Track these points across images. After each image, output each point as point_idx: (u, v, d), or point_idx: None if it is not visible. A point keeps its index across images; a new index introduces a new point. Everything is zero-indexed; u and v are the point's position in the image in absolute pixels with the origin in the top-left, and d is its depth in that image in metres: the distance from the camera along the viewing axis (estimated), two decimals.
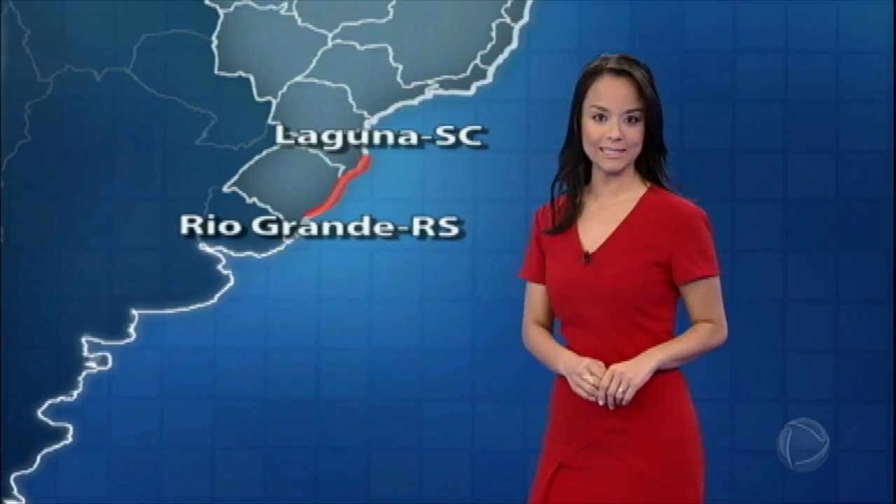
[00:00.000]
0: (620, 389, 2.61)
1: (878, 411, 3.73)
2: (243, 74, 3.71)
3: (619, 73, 2.67)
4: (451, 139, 3.71)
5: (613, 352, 2.67)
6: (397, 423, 3.76)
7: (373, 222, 3.73)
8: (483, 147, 3.73)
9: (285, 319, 3.72)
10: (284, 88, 3.72)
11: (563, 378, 2.71)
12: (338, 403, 3.75)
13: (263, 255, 3.70)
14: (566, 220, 2.73)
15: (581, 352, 2.68)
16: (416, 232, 3.73)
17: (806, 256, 3.70)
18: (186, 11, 3.73)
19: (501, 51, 3.74)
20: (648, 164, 2.70)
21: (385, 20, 3.73)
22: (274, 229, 3.70)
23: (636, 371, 2.60)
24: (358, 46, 3.71)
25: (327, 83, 3.70)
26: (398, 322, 3.75)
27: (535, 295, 2.82)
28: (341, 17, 3.72)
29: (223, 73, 3.71)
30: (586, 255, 2.69)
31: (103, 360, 3.68)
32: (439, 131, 3.71)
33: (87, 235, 3.73)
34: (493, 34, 3.73)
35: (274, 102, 3.71)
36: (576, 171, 2.72)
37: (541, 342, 2.80)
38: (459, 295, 3.77)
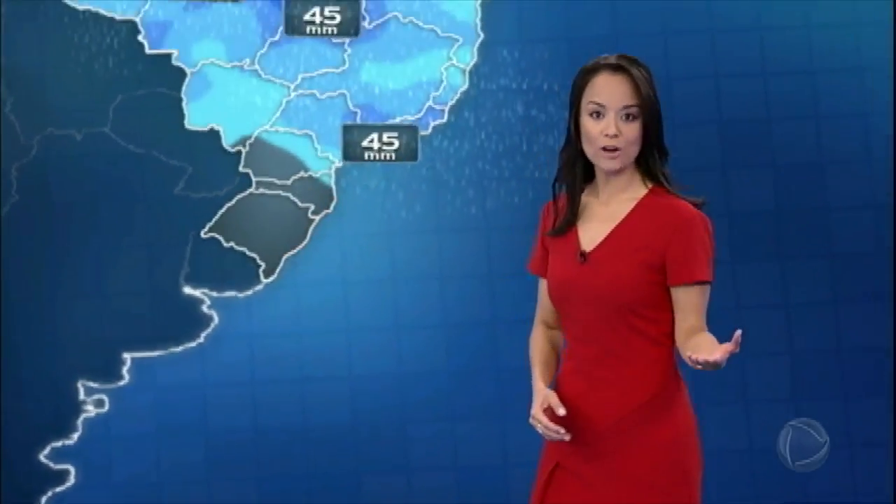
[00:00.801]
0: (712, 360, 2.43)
1: (835, 408, 3.96)
2: (214, 127, 3.94)
3: (615, 69, 2.62)
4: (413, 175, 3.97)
5: (608, 354, 2.64)
6: (383, 445, 3.99)
7: (344, 258, 3.95)
8: (443, 183, 3.99)
9: (269, 354, 3.96)
10: (252, 138, 3.95)
11: (561, 378, 2.70)
12: (325, 430, 3.97)
13: (244, 294, 3.93)
14: (566, 221, 2.69)
15: (577, 352, 2.67)
16: (386, 265, 3.96)
17: (753, 265, 3.92)
18: (157, 72, 3.98)
19: (454, 91, 4.01)
20: (648, 164, 2.63)
21: (341, 69, 3.99)
22: (252, 270, 3.93)
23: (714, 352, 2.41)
24: (318, 94, 3.96)
25: (293, 130, 3.95)
26: (376, 350, 3.96)
27: (542, 290, 2.81)
28: (301, 68, 3.96)
29: (194, 127, 3.95)
30: (582, 255, 2.65)
31: (100, 403, 3.91)
32: (399, 171, 3.97)
33: (77, 284, 3.97)
34: (445, 76, 4.00)
35: (244, 151, 3.95)
36: (574, 170, 2.67)
37: (531, 356, 2.78)
38: (432, 322, 3.98)
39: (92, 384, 3.93)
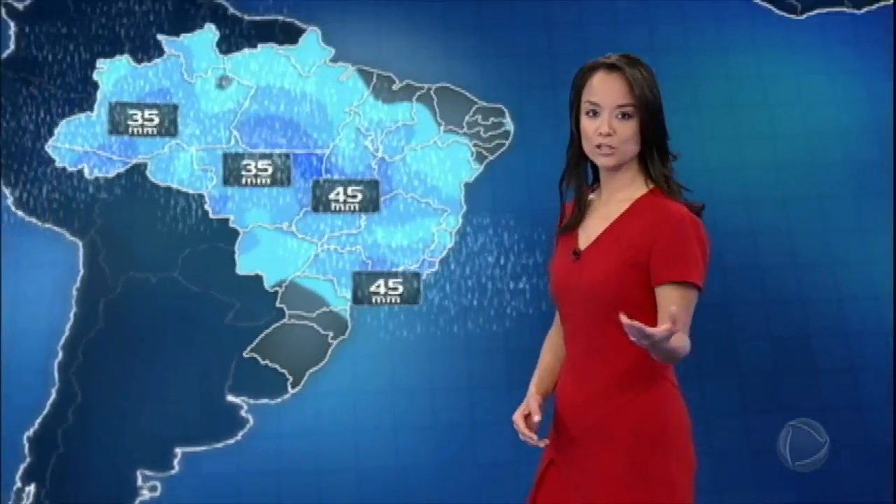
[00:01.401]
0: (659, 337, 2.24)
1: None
2: (258, 273, 4.70)
3: (611, 68, 2.48)
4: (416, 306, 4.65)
5: (595, 351, 2.49)
6: None
7: (355, 374, 4.60)
8: (433, 316, 4.61)
9: (292, 449, 4.48)
10: (287, 281, 4.68)
11: (560, 374, 2.61)
12: None
13: (275, 401, 4.56)
14: (572, 221, 2.56)
15: (571, 349, 2.56)
16: (387, 379, 4.60)
17: None
18: (217, 231, 4.73)
19: (444, 248, 4.73)
20: (647, 165, 2.48)
21: (357, 231, 4.72)
22: (282, 382, 4.58)
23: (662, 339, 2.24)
24: (339, 249, 4.73)
25: (318, 276, 4.72)
26: (378, 447, 4.48)
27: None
28: (326, 230, 4.71)
29: (243, 273, 4.69)
30: (576, 253, 2.52)
31: (153, 488, 4.45)
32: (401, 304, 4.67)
33: (143, 392, 4.51)
34: (436, 237, 4.76)
35: (280, 291, 4.69)
36: (577, 170, 2.56)
37: (540, 359, 2.67)
38: (424, 424, 4.49)
39: (148, 472, 4.46)
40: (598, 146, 2.45)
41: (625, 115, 2.43)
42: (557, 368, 2.65)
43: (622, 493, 2.46)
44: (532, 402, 2.54)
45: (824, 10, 5.01)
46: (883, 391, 4.40)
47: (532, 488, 2.65)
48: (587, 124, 2.46)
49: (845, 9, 5.02)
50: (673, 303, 2.33)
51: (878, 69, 4.91)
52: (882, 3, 5.01)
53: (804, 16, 5.04)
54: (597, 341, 2.48)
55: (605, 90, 2.45)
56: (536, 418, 2.52)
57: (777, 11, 5.03)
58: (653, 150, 2.47)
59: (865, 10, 5.02)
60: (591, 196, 2.60)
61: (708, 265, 2.43)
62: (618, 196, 2.51)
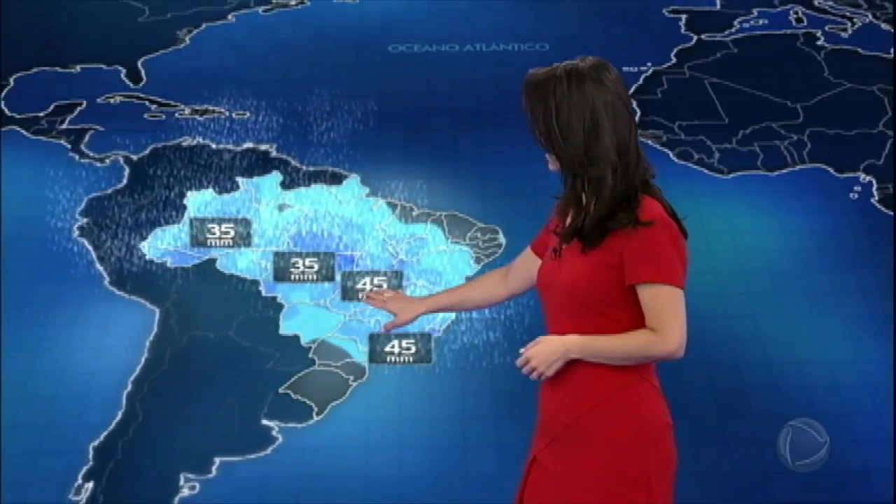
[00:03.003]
0: (532, 377, 2.48)
1: None
2: (297, 333, 5.83)
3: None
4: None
5: None
6: None
7: (369, 407, 5.42)
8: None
9: (312, 461, 5.15)
10: (320, 340, 5.71)
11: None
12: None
13: (301, 425, 5.32)
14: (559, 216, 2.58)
15: None
16: (394, 408, 5.42)
17: None
18: (266, 303, 5.90)
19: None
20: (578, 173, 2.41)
21: None
22: (309, 412, 5.37)
23: (546, 361, 2.40)
24: (362, 318, 5.92)
25: (344, 337, 5.81)
26: (384, 461, 5.16)
27: (521, 254, 2.77)
28: (353, 305, 5.81)
29: (284, 333, 5.78)
30: (555, 251, 2.55)
31: (193, 488, 5.10)
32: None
33: (192, 416, 5.29)
34: None
35: (313, 347, 5.68)
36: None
37: (465, 283, 2.89)
38: (425, 444, 5.20)
39: (189, 475, 5.14)
40: None
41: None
42: (467, 305, 2.91)
43: (598, 492, 2.50)
44: (404, 297, 2.75)
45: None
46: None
47: (518, 487, 2.77)
48: None
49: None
50: (647, 301, 2.34)
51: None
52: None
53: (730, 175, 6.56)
54: None
55: None
56: (387, 294, 2.80)
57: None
58: (577, 163, 2.38)
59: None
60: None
61: (686, 260, 2.48)
62: None
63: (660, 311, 2.37)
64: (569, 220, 2.45)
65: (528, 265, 2.77)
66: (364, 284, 5.15)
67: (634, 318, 2.45)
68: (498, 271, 2.91)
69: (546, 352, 2.45)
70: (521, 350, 2.50)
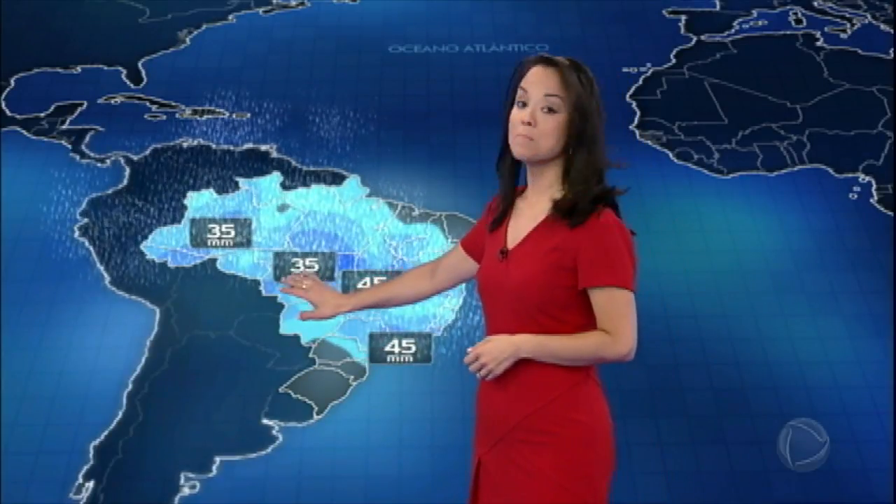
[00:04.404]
0: (480, 374, 2.49)
1: None
2: (297, 333, 5.80)
3: (547, 62, 2.43)
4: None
5: None
6: None
7: (370, 408, 5.42)
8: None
9: (314, 461, 5.16)
10: (320, 339, 5.78)
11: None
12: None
13: (302, 424, 5.33)
14: (499, 216, 2.55)
15: None
16: (395, 407, 5.47)
17: None
18: (266, 303, 5.93)
19: (446, 320, 6.13)
20: (574, 165, 2.37)
21: None
22: (309, 411, 5.37)
23: (496, 359, 2.40)
24: (363, 318, 5.97)
25: (345, 336, 5.85)
26: (384, 461, 5.19)
27: (449, 251, 2.76)
28: None
29: (285, 332, 5.80)
30: (503, 253, 2.50)
31: (193, 487, 5.12)
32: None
33: (193, 415, 5.29)
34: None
35: (313, 346, 5.76)
36: (505, 163, 2.51)
37: (393, 280, 2.73)
38: (425, 444, 5.23)
39: (189, 474, 5.17)
40: (517, 136, 2.40)
41: (550, 110, 2.38)
42: (393, 301, 2.85)
43: (551, 491, 2.50)
44: (326, 288, 2.69)
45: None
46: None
47: (470, 492, 2.79)
48: (514, 113, 2.41)
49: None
50: (599, 304, 2.35)
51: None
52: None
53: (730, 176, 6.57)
54: None
55: (536, 80, 2.42)
56: (306, 283, 2.73)
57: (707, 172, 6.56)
58: (578, 153, 2.36)
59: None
60: (522, 195, 2.56)
61: (636, 264, 2.48)
62: (543, 196, 2.47)
63: (614, 313, 2.37)
64: (554, 199, 2.44)
65: (457, 263, 2.78)
66: (364, 284, 5.13)
67: (581, 321, 2.45)
68: (424, 266, 2.90)
69: (496, 350, 2.45)
70: (469, 349, 2.51)
